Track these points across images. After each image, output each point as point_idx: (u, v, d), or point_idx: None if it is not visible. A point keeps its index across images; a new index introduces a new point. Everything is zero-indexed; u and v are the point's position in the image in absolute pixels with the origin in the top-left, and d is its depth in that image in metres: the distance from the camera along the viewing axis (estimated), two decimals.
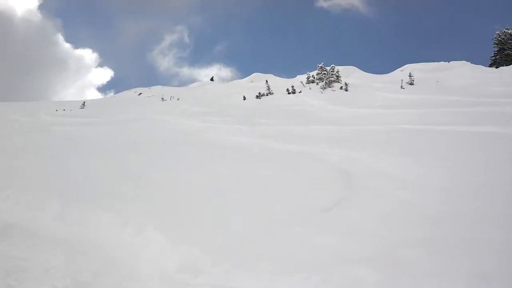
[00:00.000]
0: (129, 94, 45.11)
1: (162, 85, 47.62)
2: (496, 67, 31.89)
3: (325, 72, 27.13)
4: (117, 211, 6.45)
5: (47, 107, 29.83)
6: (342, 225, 5.86)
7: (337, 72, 27.19)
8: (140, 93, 43.37)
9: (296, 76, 37.54)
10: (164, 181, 8.34)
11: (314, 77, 28.51)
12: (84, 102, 30.14)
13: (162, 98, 31.06)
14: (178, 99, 29.64)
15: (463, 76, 25.53)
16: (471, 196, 6.41)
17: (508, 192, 6.38)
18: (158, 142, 13.32)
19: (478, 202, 6.12)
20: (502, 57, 35.10)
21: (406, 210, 6.24)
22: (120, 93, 48.45)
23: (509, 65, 31.31)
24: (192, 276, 4.81)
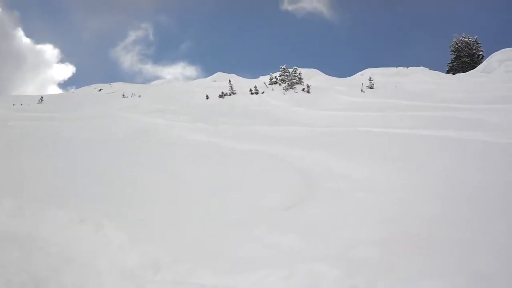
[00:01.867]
0: (89, 90, 44.16)
1: (123, 81, 46.86)
2: (453, 74, 32.91)
3: (287, 74, 27.33)
4: (74, 208, 6.33)
5: (3, 101, 28.92)
6: (302, 224, 5.94)
7: (299, 74, 27.42)
8: (101, 89, 42.53)
9: (259, 77, 37.70)
10: (122, 179, 8.23)
11: (277, 78, 28.68)
12: (42, 97, 29.35)
13: (123, 95, 30.56)
14: (139, 96, 29.25)
15: (421, 82, 26.24)
16: (426, 197, 6.61)
17: (461, 192, 6.61)
18: (117, 139, 13.14)
19: (433, 203, 6.31)
20: (458, 64, 36.26)
21: (363, 210, 6.38)
22: (80, 89, 47.36)
23: (465, 71, 32.36)
24: (153, 272, 4.79)
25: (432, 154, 9.28)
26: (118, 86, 42.72)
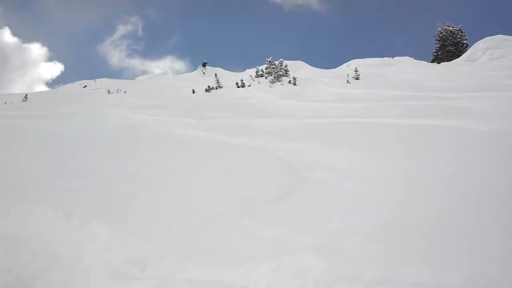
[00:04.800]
0: (74, 87, 43.71)
1: (109, 77, 46.43)
2: (438, 63, 33.05)
3: (273, 66, 27.26)
4: (60, 205, 6.25)
5: None
6: (289, 216, 5.95)
7: (285, 66, 27.36)
8: (85, 86, 42.10)
9: (245, 70, 37.56)
10: (107, 174, 8.17)
11: (263, 71, 28.60)
12: (26, 95, 28.99)
13: (108, 91, 30.29)
14: (125, 92, 29.01)
15: (407, 71, 26.33)
16: (413, 186, 6.66)
17: (447, 180, 6.66)
18: (102, 135, 13.02)
19: (420, 191, 6.36)
20: (443, 53, 36.39)
21: (350, 201, 6.41)
22: (64, 86, 46.87)
23: (450, 60, 32.53)
24: (140, 268, 4.76)
25: (418, 143, 9.33)
26: (103, 82, 42.32)
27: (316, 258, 4.48)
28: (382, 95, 17.55)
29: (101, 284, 4.53)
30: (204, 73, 33.55)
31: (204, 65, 35.23)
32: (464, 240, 4.61)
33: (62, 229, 5.71)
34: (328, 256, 4.51)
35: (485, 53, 28.10)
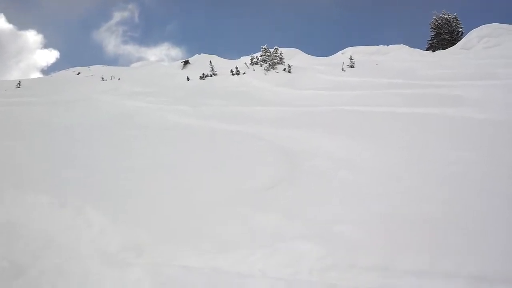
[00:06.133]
0: (68, 73, 43.38)
1: (104, 64, 46.11)
2: (433, 51, 33.05)
3: (268, 54, 27.14)
4: (54, 193, 6.25)
5: None
6: (284, 203, 5.96)
7: (280, 54, 27.25)
8: (79, 73, 41.78)
9: (240, 58, 37.44)
10: (102, 163, 8.15)
11: (258, 59, 28.47)
12: (19, 82, 28.75)
13: (102, 78, 30.10)
14: (119, 79, 28.84)
15: (402, 59, 26.31)
16: (410, 175, 6.67)
17: (442, 169, 6.68)
18: (96, 123, 12.96)
19: (416, 180, 6.38)
20: (438, 41, 36.36)
21: (346, 189, 6.42)
22: (58, 73, 46.48)
23: (445, 48, 32.53)
24: (135, 255, 4.76)
25: (414, 131, 9.35)
26: (97, 69, 42.03)
27: (311, 245, 4.50)
28: (377, 83, 17.54)
29: (97, 270, 4.54)
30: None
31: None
32: (463, 229, 4.64)
33: (57, 216, 5.72)
34: (323, 244, 4.53)
35: (480, 41, 28.11)
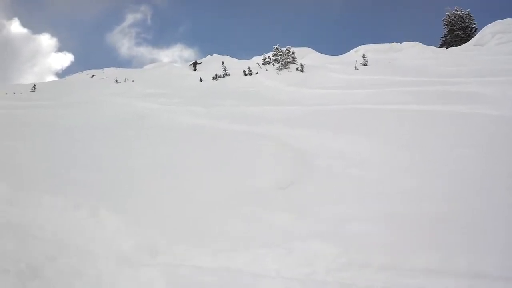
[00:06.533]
0: (82, 76, 43.78)
1: (117, 67, 46.47)
2: (446, 48, 32.76)
3: (281, 53, 27.10)
4: (69, 194, 6.30)
5: None
6: (296, 202, 5.96)
7: (292, 53, 27.20)
8: (93, 75, 42.16)
9: (252, 58, 37.48)
10: (116, 164, 8.20)
11: (270, 59, 28.45)
12: (34, 85, 29.04)
13: (116, 80, 30.33)
14: (132, 81, 29.04)
15: (415, 57, 26.13)
16: (421, 173, 6.62)
17: (455, 167, 6.62)
18: (109, 124, 13.05)
19: (428, 178, 6.33)
20: (452, 38, 36.06)
21: (357, 187, 6.40)
22: (73, 75, 46.95)
23: (458, 45, 32.22)
24: (149, 256, 4.79)
25: (425, 129, 9.28)
26: (110, 71, 42.37)
27: (325, 245, 4.49)
28: (390, 81, 17.44)
29: (111, 271, 4.56)
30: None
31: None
32: (474, 228, 4.59)
33: (71, 218, 5.76)
34: (337, 243, 4.52)
35: (493, 37, 27.81)
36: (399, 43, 35.35)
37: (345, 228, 4.91)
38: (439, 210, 5.14)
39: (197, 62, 32.94)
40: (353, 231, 4.82)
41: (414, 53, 28.96)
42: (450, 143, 7.86)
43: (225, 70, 26.66)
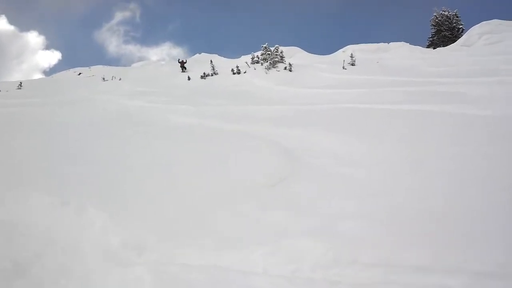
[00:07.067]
0: (69, 74, 43.42)
1: (104, 65, 46.15)
2: (434, 48, 33.01)
3: (269, 52, 27.12)
4: (56, 192, 6.25)
5: None
6: (286, 201, 5.96)
7: (281, 52, 27.23)
8: (80, 73, 41.82)
9: (240, 57, 37.46)
10: (103, 161, 8.15)
11: (258, 58, 28.45)
12: (21, 83, 28.75)
13: (103, 78, 30.11)
14: (120, 79, 28.86)
15: (402, 57, 26.30)
16: (411, 171, 6.66)
17: (442, 165, 6.67)
18: (97, 122, 12.96)
19: (415, 176, 6.37)
20: (439, 38, 36.34)
21: (347, 185, 6.42)
22: (59, 73, 46.52)
23: (446, 45, 32.47)
24: (137, 253, 4.77)
25: (414, 128, 9.33)
26: (97, 69, 42.03)
27: (313, 242, 4.49)
28: (378, 81, 17.53)
29: (99, 268, 4.54)
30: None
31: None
32: (467, 226, 4.61)
33: (58, 215, 5.72)
34: (325, 240, 4.52)
35: (481, 38, 28.07)
36: (386, 43, 35.60)
37: (334, 225, 4.92)
38: (430, 207, 5.16)
39: (183, 61, 31.54)
40: (342, 229, 4.83)
41: (401, 53, 29.15)
42: (440, 142, 7.91)
43: (213, 69, 26.62)
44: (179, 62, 31.43)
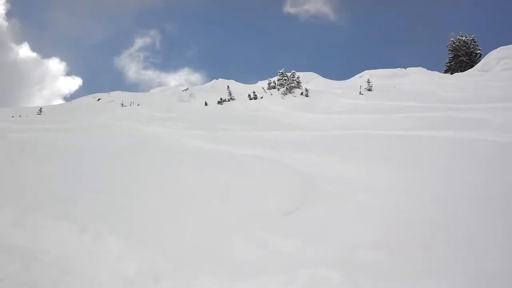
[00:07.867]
0: (88, 99, 44.14)
1: (123, 90, 46.84)
2: (451, 73, 32.90)
3: (285, 78, 27.31)
4: (73, 218, 6.28)
5: (2, 114, 28.88)
6: (303, 228, 5.90)
7: (297, 78, 27.40)
8: (99, 99, 42.49)
9: (257, 82, 37.84)
10: (120, 187, 8.18)
11: (275, 83, 28.65)
12: (41, 108, 29.33)
13: (122, 104, 30.55)
14: (138, 105, 29.25)
15: (419, 82, 26.24)
16: (427, 199, 6.56)
17: (462, 193, 6.55)
18: (116, 148, 13.07)
19: (434, 204, 6.27)
20: (456, 64, 36.26)
21: (364, 213, 6.34)
22: (79, 99, 47.31)
23: (463, 71, 32.36)
24: (154, 282, 4.75)
25: (432, 155, 9.24)
26: (116, 95, 42.70)
27: (331, 271, 4.43)
28: (395, 107, 17.47)
29: None
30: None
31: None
32: (483, 255, 4.52)
33: (75, 242, 5.73)
34: (343, 269, 4.46)
35: (499, 63, 27.92)
36: (403, 69, 35.59)
37: (351, 254, 4.85)
38: (451, 236, 5.07)
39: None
40: (359, 258, 4.76)
41: (419, 79, 29.08)
42: (458, 170, 7.80)
43: (230, 94, 26.84)
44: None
